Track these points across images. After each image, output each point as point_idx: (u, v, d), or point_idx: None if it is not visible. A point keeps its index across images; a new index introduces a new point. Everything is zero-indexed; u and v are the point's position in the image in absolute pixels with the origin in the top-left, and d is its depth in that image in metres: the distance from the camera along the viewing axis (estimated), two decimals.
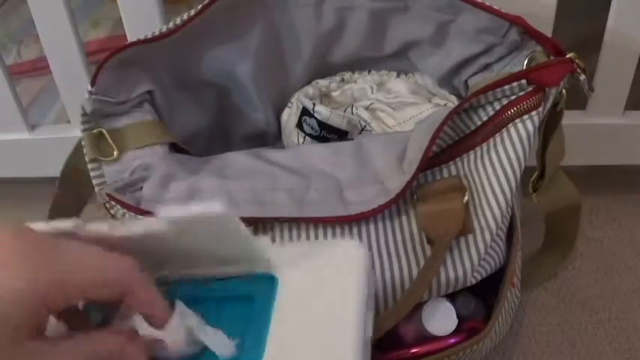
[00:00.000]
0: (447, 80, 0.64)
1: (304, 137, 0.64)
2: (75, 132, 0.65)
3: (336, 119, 0.62)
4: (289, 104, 0.67)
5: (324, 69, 0.67)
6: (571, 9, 0.69)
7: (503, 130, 0.54)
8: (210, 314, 0.39)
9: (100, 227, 0.37)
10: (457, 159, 0.56)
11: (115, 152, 0.56)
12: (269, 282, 0.39)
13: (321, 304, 0.38)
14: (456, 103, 0.62)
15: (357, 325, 0.37)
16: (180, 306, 0.38)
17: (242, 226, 0.37)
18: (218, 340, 0.37)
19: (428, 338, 0.55)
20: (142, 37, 0.58)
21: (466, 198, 0.53)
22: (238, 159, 0.59)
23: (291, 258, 0.40)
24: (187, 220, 0.36)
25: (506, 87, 0.53)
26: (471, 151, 0.55)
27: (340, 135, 0.62)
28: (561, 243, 0.69)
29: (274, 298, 0.39)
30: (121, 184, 0.56)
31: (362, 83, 0.66)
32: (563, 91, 0.55)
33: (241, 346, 0.37)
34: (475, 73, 0.61)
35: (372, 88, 0.65)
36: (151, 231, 0.37)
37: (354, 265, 0.40)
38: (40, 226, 0.36)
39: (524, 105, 0.53)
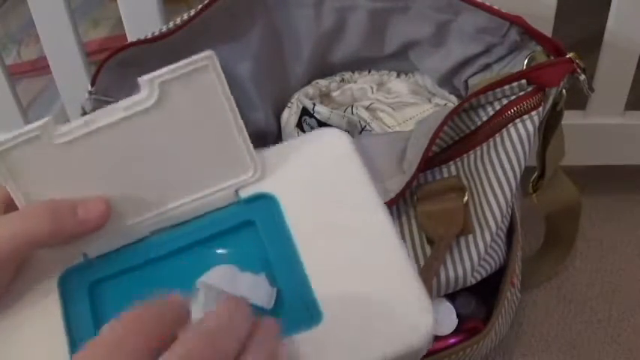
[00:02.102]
0: (447, 80, 0.64)
1: None
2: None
3: (336, 119, 0.62)
4: (289, 104, 0.67)
5: (324, 69, 0.67)
6: (571, 9, 0.69)
7: (503, 130, 0.54)
8: (211, 259, 0.34)
9: (76, 123, 0.33)
10: (457, 159, 0.56)
11: None
12: (262, 200, 0.35)
13: (336, 206, 0.34)
14: (456, 103, 0.62)
15: (384, 211, 0.34)
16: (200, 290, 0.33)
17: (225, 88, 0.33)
18: (259, 291, 0.33)
19: None
20: (142, 37, 0.58)
21: (466, 198, 0.53)
22: None
23: (275, 162, 0.35)
24: (172, 75, 0.32)
25: (506, 87, 0.53)
26: (471, 151, 0.55)
27: None
28: (561, 243, 0.69)
29: (280, 216, 0.34)
30: None
31: (362, 83, 0.66)
32: (563, 91, 0.55)
33: (274, 279, 0.33)
34: (475, 73, 0.61)
35: (372, 88, 0.65)
36: (132, 110, 0.33)
37: (346, 150, 0.36)
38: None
39: (524, 105, 0.53)
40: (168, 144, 0.34)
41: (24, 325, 0.34)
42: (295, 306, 0.32)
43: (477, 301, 0.57)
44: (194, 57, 0.32)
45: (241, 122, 0.34)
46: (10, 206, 0.34)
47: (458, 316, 0.55)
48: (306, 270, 0.33)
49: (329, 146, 0.36)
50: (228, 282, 0.33)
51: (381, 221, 0.34)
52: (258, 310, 0.32)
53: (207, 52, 0.33)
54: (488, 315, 0.56)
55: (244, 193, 0.35)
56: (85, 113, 0.56)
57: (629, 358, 0.64)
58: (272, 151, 0.36)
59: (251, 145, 0.35)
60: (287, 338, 0.31)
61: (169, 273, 0.35)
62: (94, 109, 0.56)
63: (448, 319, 0.55)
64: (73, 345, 0.33)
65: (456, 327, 0.55)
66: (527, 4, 0.61)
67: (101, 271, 0.35)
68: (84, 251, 0.35)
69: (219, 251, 0.35)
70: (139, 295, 0.31)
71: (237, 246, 0.35)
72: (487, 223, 0.53)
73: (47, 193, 0.34)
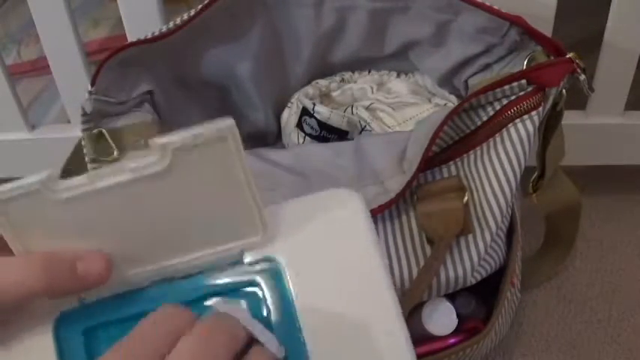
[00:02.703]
0: (447, 80, 0.64)
1: (304, 137, 0.64)
2: (75, 132, 0.65)
3: (336, 119, 0.62)
4: (289, 104, 0.67)
5: (324, 69, 0.67)
6: (571, 9, 0.69)
7: (503, 130, 0.54)
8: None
9: (79, 180, 0.32)
10: (457, 159, 0.56)
11: (115, 152, 0.56)
12: (266, 264, 0.35)
13: (339, 269, 0.33)
14: (456, 103, 0.62)
15: (386, 276, 0.33)
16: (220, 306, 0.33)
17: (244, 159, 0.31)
18: (271, 340, 0.33)
19: (428, 338, 0.55)
20: (142, 37, 0.58)
21: (466, 198, 0.53)
22: None
23: (284, 223, 0.35)
24: (189, 143, 0.30)
25: (506, 87, 0.53)
26: (471, 151, 0.55)
27: (340, 135, 0.62)
28: (561, 243, 0.69)
29: (282, 280, 0.34)
30: None
31: (362, 83, 0.66)
32: (563, 91, 0.55)
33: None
34: (475, 73, 0.61)
35: (372, 88, 0.66)
36: (140, 173, 0.31)
37: (356, 212, 0.35)
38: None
39: (524, 105, 0.53)
40: (177, 208, 0.33)
41: None
42: None
43: (477, 301, 0.57)
44: (214, 125, 0.30)
45: (254, 187, 0.33)
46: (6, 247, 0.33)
47: (458, 316, 0.55)
48: (303, 339, 0.33)
49: (339, 208, 0.35)
50: (246, 316, 0.33)
51: (385, 297, 0.33)
52: None
53: (229, 122, 0.30)
54: (488, 315, 0.56)
55: (250, 255, 0.35)
56: (85, 113, 0.56)
57: (629, 358, 0.64)
58: (284, 209, 0.35)
59: (263, 208, 0.34)
60: None
61: None
62: (94, 109, 0.56)
63: (448, 319, 0.55)
64: None
65: (456, 327, 0.55)
66: (527, 4, 0.61)
67: (97, 316, 0.34)
68: (80, 295, 0.34)
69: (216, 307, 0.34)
70: None
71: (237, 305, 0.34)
72: (487, 223, 0.53)
73: (45, 243, 0.33)
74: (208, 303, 0.34)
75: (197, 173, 0.32)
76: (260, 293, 0.34)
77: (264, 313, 0.34)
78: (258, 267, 0.34)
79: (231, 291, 0.34)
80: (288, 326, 0.33)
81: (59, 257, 0.32)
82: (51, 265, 0.32)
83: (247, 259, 0.34)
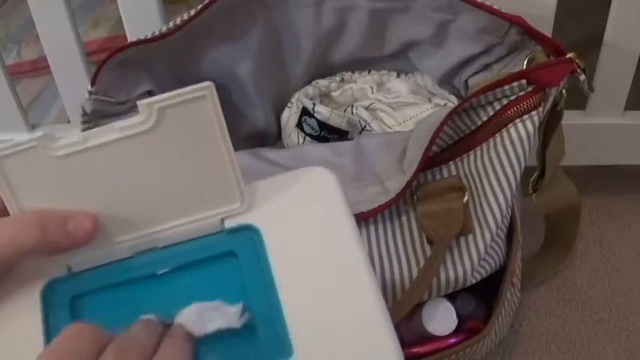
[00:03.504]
0: (447, 80, 0.64)
1: (304, 137, 0.64)
2: (75, 132, 0.65)
3: (336, 119, 0.62)
4: (289, 104, 0.67)
5: (324, 69, 0.67)
6: (571, 9, 0.69)
7: (503, 130, 0.54)
8: (190, 284, 0.36)
9: (72, 139, 0.34)
10: (457, 159, 0.56)
11: None
12: (246, 232, 0.36)
13: (316, 241, 0.35)
14: (456, 103, 0.62)
15: (362, 250, 0.35)
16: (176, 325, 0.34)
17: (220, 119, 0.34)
18: (224, 317, 0.34)
19: (428, 338, 0.55)
20: (141, 37, 0.58)
21: (466, 198, 0.53)
22: (238, 159, 0.59)
23: (262, 195, 0.36)
24: (171, 101, 0.33)
25: (506, 87, 0.53)
26: (471, 151, 0.55)
27: (340, 135, 0.62)
28: (561, 243, 0.69)
29: (263, 249, 0.35)
30: None
31: (362, 83, 0.66)
32: (563, 91, 0.55)
33: (250, 309, 0.34)
34: (475, 73, 0.61)
35: (372, 88, 0.66)
36: (128, 132, 0.33)
37: (332, 189, 0.37)
38: None
39: (524, 105, 0.53)
40: (160, 168, 0.35)
41: (3, 333, 0.34)
42: (267, 339, 0.33)
43: (477, 301, 0.57)
44: (193, 86, 0.33)
45: (233, 154, 0.35)
46: (3, 211, 0.35)
47: (458, 316, 0.55)
48: (281, 304, 0.34)
49: (315, 184, 0.37)
50: (199, 321, 0.34)
51: (358, 260, 0.34)
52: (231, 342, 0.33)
53: (207, 83, 0.33)
54: (488, 315, 0.56)
55: (230, 223, 0.36)
56: (85, 113, 0.56)
57: (629, 358, 0.64)
58: (261, 184, 0.37)
59: (240, 177, 0.36)
60: None
61: (148, 294, 0.36)
62: (94, 109, 0.56)
63: (448, 319, 0.55)
64: None
65: (456, 327, 0.55)
66: (527, 4, 0.61)
67: (83, 285, 0.36)
68: (68, 264, 0.35)
69: (199, 278, 0.36)
70: (117, 311, 0.34)
71: (217, 274, 0.36)
72: (487, 223, 0.53)
73: (39, 203, 0.34)
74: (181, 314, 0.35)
75: (179, 133, 0.34)
76: (239, 261, 0.36)
77: (240, 281, 0.35)
78: (237, 235, 0.36)
79: (211, 260, 0.36)
80: (265, 292, 0.34)
81: (51, 214, 0.34)
82: (43, 221, 0.34)
83: (227, 225, 0.36)
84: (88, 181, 0.34)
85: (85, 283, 0.36)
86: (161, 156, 0.34)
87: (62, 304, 0.35)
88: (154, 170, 0.35)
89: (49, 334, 0.34)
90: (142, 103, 0.33)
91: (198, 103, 0.33)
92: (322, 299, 0.34)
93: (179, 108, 0.33)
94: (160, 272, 0.36)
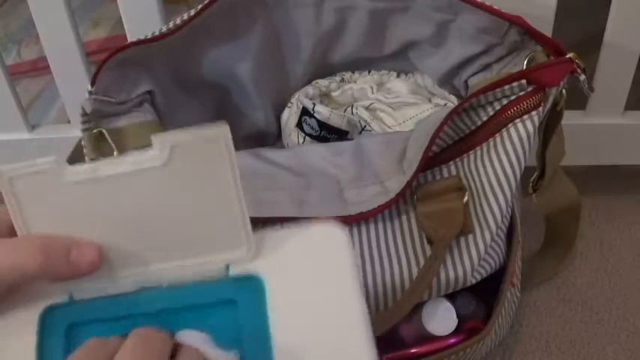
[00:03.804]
0: (447, 80, 0.64)
1: (304, 137, 0.64)
2: (75, 132, 0.65)
3: (336, 119, 0.62)
4: (289, 104, 0.67)
5: (324, 69, 0.67)
6: (571, 9, 0.69)
7: (503, 130, 0.54)
8: (188, 326, 0.35)
9: (84, 167, 0.34)
10: (457, 159, 0.56)
11: (115, 152, 0.56)
12: (250, 281, 0.36)
13: (318, 299, 0.35)
14: (456, 103, 0.62)
15: (363, 312, 0.35)
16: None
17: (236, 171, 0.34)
18: (220, 357, 0.34)
19: (428, 338, 0.55)
20: (142, 37, 0.58)
21: (466, 198, 0.53)
22: (238, 159, 0.59)
23: (269, 245, 0.36)
24: (185, 140, 0.33)
25: (506, 87, 0.53)
26: (471, 151, 0.55)
27: (340, 135, 0.62)
28: (561, 243, 0.69)
29: (263, 299, 0.35)
30: None
31: (362, 83, 0.66)
32: (563, 91, 0.55)
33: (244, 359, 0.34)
34: (475, 73, 0.61)
35: (372, 88, 0.66)
36: (139, 166, 0.33)
37: (342, 248, 0.36)
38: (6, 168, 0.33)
39: (524, 105, 0.53)
40: (170, 205, 0.35)
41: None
42: None
43: (477, 301, 0.57)
44: (209, 128, 0.33)
45: (243, 199, 0.35)
46: (13, 229, 0.35)
47: (458, 316, 0.55)
48: (274, 358, 0.34)
49: (325, 239, 0.36)
50: (200, 344, 0.34)
51: (358, 323, 0.34)
52: None
53: (223, 126, 0.33)
54: (488, 315, 0.56)
55: (234, 270, 0.36)
56: (85, 113, 0.56)
57: (629, 358, 0.64)
58: (270, 233, 0.37)
59: (249, 224, 0.35)
60: None
61: None
62: (94, 109, 0.56)
63: (448, 319, 0.55)
64: None
65: (456, 327, 0.55)
66: (527, 4, 0.61)
67: (82, 314, 0.35)
68: (71, 291, 0.35)
69: (198, 322, 0.36)
70: None
71: (216, 320, 0.36)
72: (487, 223, 0.53)
73: (47, 226, 0.34)
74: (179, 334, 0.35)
75: (191, 173, 0.34)
76: (237, 310, 0.35)
77: (238, 330, 0.35)
78: (241, 283, 0.36)
79: (211, 305, 0.36)
80: (260, 343, 0.34)
81: (56, 241, 0.34)
82: (48, 247, 0.33)
83: (232, 272, 0.36)
84: (96, 210, 0.34)
85: (84, 311, 0.35)
86: (171, 193, 0.34)
87: (58, 330, 0.35)
88: (163, 206, 0.35)
89: (41, 357, 0.34)
90: (155, 138, 0.33)
91: (212, 144, 0.33)
92: (316, 357, 0.34)
93: (193, 147, 0.33)
94: (157, 310, 0.36)
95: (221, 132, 0.33)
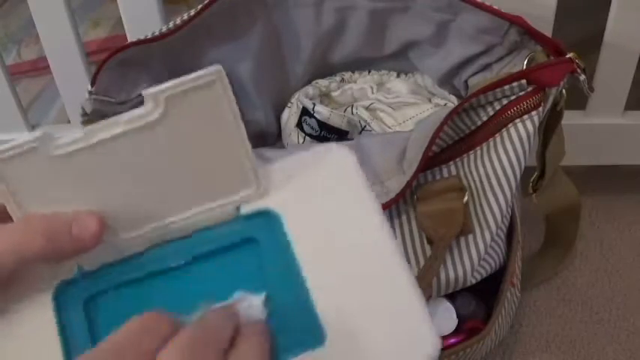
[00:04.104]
0: (447, 80, 0.64)
1: (304, 137, 0.64)
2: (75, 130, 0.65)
3: (336, 119, 0.62)
4: (289, 104, 0.67)
5: (324, 69, 0.67)
6: (571, 9, 0.69)
7: (503, 130, 0.54)
8: (208, 276, 0.34)
9: (74, 137, 0.32)
10: (457, 159, 0.56)
11: None
12: (264, 217, 0.34)
13: (338, 223, 0.33)
14: (456, 103, 0.62)
15: (387, 228, 0.33)
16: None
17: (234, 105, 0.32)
18: (248, 310, 0.32)
19: None
20: (142, 37, 0.58)
21: (466, 198, 0.53)
22: None
23: (278, 178, 0.35)
24: (179, 89, 0.31)
25: (506, 87, 0.53)
26: (471, 151, 0.55)
27: (340, 135, 0.62)
28: (561, 243, 0.69)
29: (282, 232, 0.33)
30: None
31: (362, 83, 0.66)
32: (563, 91, 0.55)
33: (274, 298, 0.32)
34: (475, 73, 0.61)
35: (372, 88, 0.66)
36: (134, 124, 0.32)
37: (351, 168, 0.35)
38: None
39: (524, 105, 0.53)
40: (170, 159, 0.33)
41: (18, 339, 0.33)
42: (298, 326, 0.32)
43: (477, 301, 0.57)
44: (202, 71, 0.31)
45: (246, 139, 0.33)
46: (5, 214, 0.34)
47: (458, 316, 0.55)
48: (308, 289, 0.32)
49: (334, 163, 0.35)
50: (259, 314, 0.32)
51: (384, 239, 0.33)
52: None
53: (216, 67, 0.32)
54: (488, 315, 0.56)
55: (246, 209, 0.34)
56: (85, 113, 0.56)
57: (629, 358, 0.64)
58: (277, 166, 0.35)
59: (255, 161, 0.34)
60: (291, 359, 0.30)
61: (166, 288, 0.34)
62: (94, 109, 0.56)
63: (448, 319, 0.55)
64: (69, 358, 0.32)
65: (456, 327, 0.55)
66: (527, 4, 0.61)
67: (97, 285, 0.34)
68: (79, 263, 0.34)
69: (217, 268, 0.34)
70: (135, 309, 0.31)
71: (235, 263, 0.34)
72: (487, 223, 0.53)
73: (43, 205, 0.33)
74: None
75: (189, 122, 0.32)
76: (259, 247, 0.34)
77: (263, 269, 0.33)
78: (255, 221, 0.34)
79: (228, 248, 0.34)
80: (289, 276, 0.33)
81: (55, 219, 0.32)
82: (48, 227, 0.32)
83: (243, 211, 0.34)
84: (94, 179, 0.33)
85: (98, 281, 0.34)
86: (170, 146, 0.32)
87: (76, 306, 0.34)
88: (164, 161, 0.33)
89: (65, 338, 0.33)
90: (147, 93, 0.31)
91: (208, 89, 0.32)
92: (350, 281, 0.32)
93: (188, 95, 0.31)
94: (174, 265, 0.34)
95: (216, 73, 0.32)
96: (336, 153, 0.35)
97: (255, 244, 0.34)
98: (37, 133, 0.31)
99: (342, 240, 0.33)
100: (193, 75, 0.31)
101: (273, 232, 0.34)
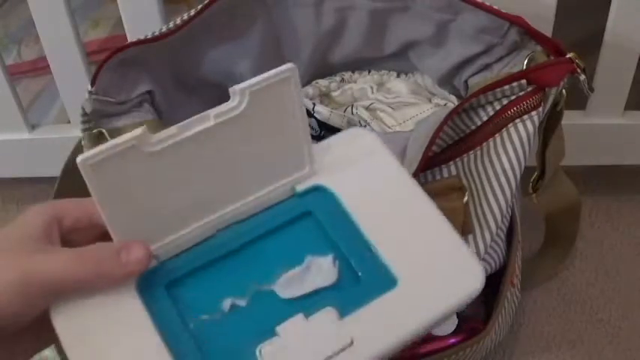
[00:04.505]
0: (447, 80, 0.64)
1: None
2: (75, 132, 0.65)
3: (336, 119, 0.62)
4: None
5: (324, 69, 0.67)
6: (571, 9, 0.69)
7: (504, 130, 0.54)
8: (276, 249, 0.37)
9: (169, 132, 0.34)
10: (457, 159, 0.56)
11: None
12: (318, 192, 0.39)
13: (380, 186, 0.39)
14: (456, 103, 0.62)
15: (420, 188, 0.39)
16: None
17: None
18: (319, 273, 0.36)
19: (428, 338, 0.55)
20: (142, 37, 0.58)
21: (466, 198, 0.53)
22: None
23: (321, 158, 0.39)
24: (263, 84, 0.35)
25: (506, 87, 0.53)
26: (471, 151, 0.55)
27: None
28: (561, 243, 0.69)
29: (337, 202, 0.38)
30: None
31: (362, 83, 0.66)
32: (563, 91, 0.55)
33: (341, 257, 0.36)
34: (475, 73, 0.61)
35: (372, 88, 0.66)
36: (222, 118, 0.35)
37: (378, 145, 0.40)
38: (94, 151, 0.33)
39: (524, 105, 0.53)
40: (245, 148, 0.36)
41: (114, 331, 0.35)
42: (368, 277, 0.36)
43: (477, 301, 0.57)
44: (279, 68, 0.35)
45: (307, 123, 0.38)
46: (74, 234, 0.37)
47: (458, 316, 0.55)
48: (371, 243, 0.36)
49: (363, 142, 0.40)
50: (298, 285, 0.36)
51: (420, 195, 0.38)
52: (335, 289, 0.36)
53: (291, 65, 0.35)
54: (488, 315, 0.56)
55: (300, 187, 0.39)
56: (85, 113, 0.56)
57: (629, 358, 0.64)
58: (316, 149, 0.39)
59: (310, 142, 0.38)
60: (370, 304, 0.35)
61: (241, 264, 0.37)
62: (94, 109, 0.56)
63: (448, 319, 0.55)
64: (168, 340, 0.34)
65: (456, 327, 0.55)
66: (527, 4, 0.61)
67: (175, 272, 0.37)
68: (155, 254, 0.36)
69: (283, 242, 0.38)
70: (216, 287, 0.36)
71: (299, 234, 0.38)
72: (487, 223, 0.53)
73: (133, 201, 0.35)
74: None
75: (266, 113, 0.36)
76: (317, 218, 0.38)
77: (324, 234, 0.37)
78: (309, 196, 0.39)
79: (290, 223, 0.38)
80: (351, 236, 0.37)
81: (104, 248, 0.35)
82: (97, 255, 0.35)
83: (298, 190, 0.39)
84: (180, 172, 0.35)
85: (176, 269, 0.37)
86: (248, 136, 0.36)
87: (160, 294, 0.36)
88: (241, 150, 0.36)
89: (158, 323, 0.34)
90: (235, 89, 0.35)
91: (283, 84, 0.35)
92: (404, 233, 0.37)
93: (266, 90, 0.35)
94: (245, 242, 0.37)
95: (291, 70, 0.35)
96: (363, 134, 0.41)
97: (312, 217, 0.38)
98: (136, 132, 0.33)
99: (387, 200, 0.38)
100: (273, 72, 0.35)
101: (326, 202, 0.38)
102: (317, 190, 0.39)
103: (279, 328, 0.34)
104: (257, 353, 0.33)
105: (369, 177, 0.39)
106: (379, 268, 0.36)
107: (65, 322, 0.34)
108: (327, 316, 0.34)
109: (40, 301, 0.34)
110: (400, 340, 0.35)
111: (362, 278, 0.36)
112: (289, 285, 0.36)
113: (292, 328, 0.34)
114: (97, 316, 0.35)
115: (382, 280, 0.35)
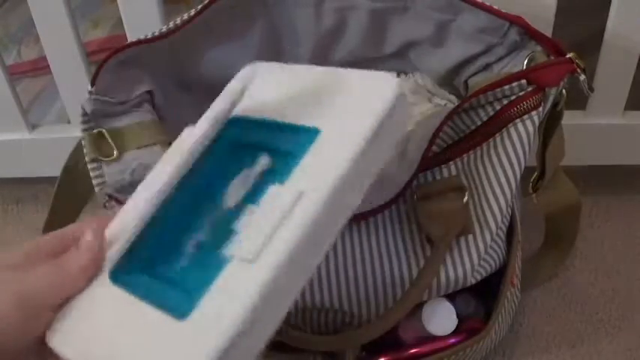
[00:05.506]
0: (447, 80, 0.64)
1: None
2: (75, 132, 0.65)
3: None
4: None
5: None
6: (571, 9, 0.69)
7: (504, 130, 0.54)
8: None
9: None
10: (457, 159, 0.56)
11: (115, 152, 0.56)
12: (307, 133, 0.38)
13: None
14: (456, 103, 0.62)
15: None
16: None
17: None
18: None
19: (428, 338, 0.55)
20: (142, 37, 0.58)
21: (466, 198, 0.53)
22: None
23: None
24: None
25: (506, 87, 0.53)
26: (471, 151, 0.55)
27: None
28: (561, 243, 0.69)
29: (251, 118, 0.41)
30: (121, 184, 0.56)
31: None
32: (563, 91, 0.55)
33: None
34: (475, 73, 0.61)
35: None
36: None
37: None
38: None
39: (524, 105, 0.53)
40: None
41: (117, 329, 0.36)
42: (295, 143, 0.37)
43: (477, 301, 0.57)
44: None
45: None
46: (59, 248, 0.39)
47: (458, 316, 0.55)
48: (287, 123, 0.39)
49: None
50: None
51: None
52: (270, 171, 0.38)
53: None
54: (488, 315, 0.56)
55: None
56: (85, 113, 0.56)
57: (629, 358, 0.64)
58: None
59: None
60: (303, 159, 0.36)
61: (187, 209, 0.39)
62: (94, 109, 0.56)
63: (448, 319, 0.55)
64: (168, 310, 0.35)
65: (456, 327, 0.55)
66: (527, 4, 0.61)
67: (136, 252, 0.38)
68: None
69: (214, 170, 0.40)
70: (175, 239, 0.38)
71: (226, 157, 0.40)
72: (487, 223, 0.53)
73: None
74: None
75: None
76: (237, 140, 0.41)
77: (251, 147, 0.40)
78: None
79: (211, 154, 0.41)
80: (276, 131, 0.39)
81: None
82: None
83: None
84: None
85: (136, 249, 0.39)
86: None
87: (135, 276, 0.37)
88: None
89: (151, 301, 0.35)
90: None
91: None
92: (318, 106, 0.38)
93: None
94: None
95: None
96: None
97: (234, 138, 0.42)
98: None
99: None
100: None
101: (241, 125, 0.42)
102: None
103: (237, 227, 0.35)
104: (231, 259, 0.34)
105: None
106: (300, 133, 0.37)
107: (61, 339, 0.36)
108: (271, 192, 0.36)
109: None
110: (348, 165, 0.34)
111: (289, 149, 0.37)
112: (235, 193, 0.37)
113: (248, 220, 0.35)
114: (88, 322, 0.36)
115: (305, 138, 0.36)
